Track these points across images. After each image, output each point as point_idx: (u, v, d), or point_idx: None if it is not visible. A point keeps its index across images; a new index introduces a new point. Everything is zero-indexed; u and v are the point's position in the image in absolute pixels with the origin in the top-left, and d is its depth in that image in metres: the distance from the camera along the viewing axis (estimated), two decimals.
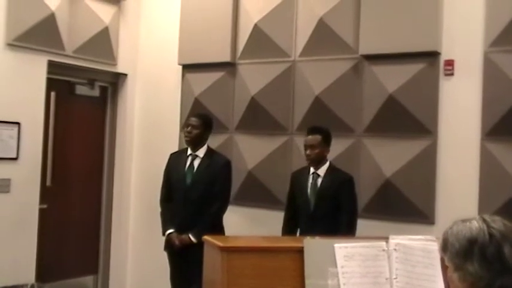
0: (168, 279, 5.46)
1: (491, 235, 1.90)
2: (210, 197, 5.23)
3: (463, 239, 1.93)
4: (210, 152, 5.43)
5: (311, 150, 4.88)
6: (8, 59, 5.70)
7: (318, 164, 4.92)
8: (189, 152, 5.39)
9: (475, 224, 1.94)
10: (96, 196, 6.93)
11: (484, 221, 1.94)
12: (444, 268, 2.88)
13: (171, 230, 5.28)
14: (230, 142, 6.22)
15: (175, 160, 5.49)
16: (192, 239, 5.10)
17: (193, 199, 5.23)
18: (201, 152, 5.36)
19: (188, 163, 5.36)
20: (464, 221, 1.98)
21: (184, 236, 5.18)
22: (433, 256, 2.92)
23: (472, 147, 4.98)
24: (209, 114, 5.89)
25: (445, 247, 1.99)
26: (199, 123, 5.34)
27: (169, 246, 5.32)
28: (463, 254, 1.92)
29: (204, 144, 5.39)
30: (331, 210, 4.81)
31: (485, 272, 1.88)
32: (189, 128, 5.34)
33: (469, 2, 5.07)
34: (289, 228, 5.04)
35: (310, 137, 4.91)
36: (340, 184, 4.87)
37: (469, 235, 1.92)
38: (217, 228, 5.14)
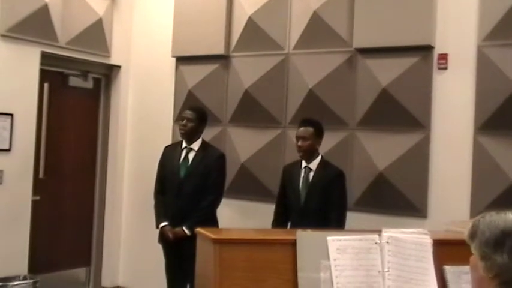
0: (160, 271, 5.45)
1: None
2: (204, 189, 5.22)
3: (496, 229, 1.89)
4: (204, 145, 5.42)
5: (303, 141, 4.87)
6: (1, 50, 5.68)
7: (309, 156, 4.92)
8: (184, 145, 5.38)
9: (510, 216, 1.91)
10: (89, 188, 6.93)
11: None
12: (436, 262, 2.90)
13: (165, 223, 5.27)
14: (223, 135, 6.22)
15: (170, 153, 5.48)
16: (186, 231, 5.09)
17: (187, 192, 5.23)
18: (195, 145, 5.35)
19: (183, 156, 5.35)
20: (498, 212, 1.95)
21: (178, 229, 5.17)
22: (425, 249, 2.93)
23: (465, 141, 4.99)
24: (204, 107, 5.89)
25: (473, 234, 1.95)
26: (195, 116, 5.33)
27: (163, 239, 5.31)
28: (494, 244, 1.88)
29: (199, 137, 5.38)
30: (322, 204, 4.80)
31: None
32: (184, 121, 5.32)
33: None
34: (279, 222, 5.03)
35: (302, 128, 4.91)
36: (331, 179, 4.87)
37: (503, 226, 1.89)
38: (211, 221, 5.15)
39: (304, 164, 4.94)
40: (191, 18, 6.42)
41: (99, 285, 6.93)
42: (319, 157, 4.96)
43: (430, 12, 5.13)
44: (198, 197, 5.20)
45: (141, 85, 6.97)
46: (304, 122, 4.96)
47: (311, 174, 4.91)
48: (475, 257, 1.95)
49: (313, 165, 4.92)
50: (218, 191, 5.34)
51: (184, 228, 5.12)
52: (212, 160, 5.32)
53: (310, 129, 4.88)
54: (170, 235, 5.20)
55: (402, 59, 5.22)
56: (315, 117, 5.06)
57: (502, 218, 1.92)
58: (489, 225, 1.92)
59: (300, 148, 4.89)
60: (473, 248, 1.95)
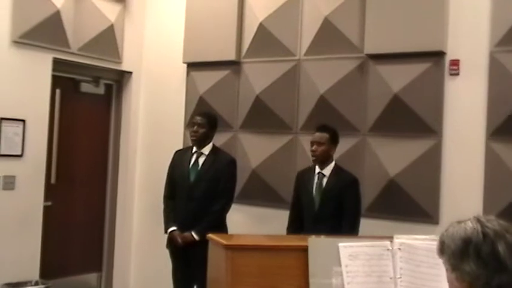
0: (171, 276, 5.46)
1: (484, 234, 1.91)
2: (214, 194, 5.23)
3: (458, 240, 1.94)
4: (215, 150, 5.43)
5: (317, 146, 4.87)
6: (14, 57, 5.71)
7: (323, 162, 4.91)
8: (194, 149, 5.39)
9: (469, 225, 1.96)
10: (101, 194, 6.94)
11: (479, 221, 1.96)
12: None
13: (173, 228, 5.28)
14: (234, 140, 6.22)
15: (180, 157, 5.49)
16: (195, 236, 5.09)
17: (196, 197, 5.23)
18: (206, 150, 5.36)
19: (193, 161, 5.36)
20: (459, 222, 2.00)
21: (186, 234, 5.17)
22: (437, 256, 2.92)
23: (477, 147, 4.97)
24: (214, 112, 5.90)
25: (442, 249, 2.01)
26: (205, 121, 5.34)
27: (171, 243, 5.32)
28: (459, 255, 1.93)
29: (209, 142, 5.40)
30: (336, 210, 4.80)
31: (482, 271, 1.89)
32: (195, 127, 5.33)
33: (475, 2, 5.06)
34: (294, 228, 5.01)
35: (317, 133, 4.91)
36: (345, 185, 4.86)
37: (463, 235, 1.94)
38: (221, 227, 5.15)
39: (317, 169, 4.94)
40: (202, 25, 6.44)
41: None
42: (333, 163, 4.95)
43: (442, 18, 5.11)
44: (208, 202, 5.20)
45: (153, 91, 6.99)
46: (320, 128, 4.96)
47: (325, 180, 4.90)
48: (448, 271, 2.00)
49: (327, 171, 4.91)
50: (228, 197, 5.34)
51: (193, 233, 5.12)
52: (223, 165, 5.33)
53: (326, 135, 4.88)
54: (179, 240, 5.20)
55: (414, 65, 5.21)
56: (331, 124, 5.06)
57: (462, 228, 1.97)
58: (452, 237, 1.97)
59: (314, 153, 4.89)
60: (444, 263, 2.01)
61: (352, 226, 4.75)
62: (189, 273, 5.15)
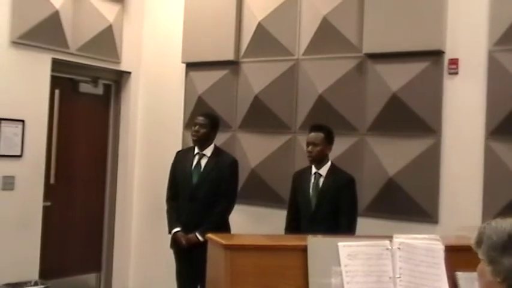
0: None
1: None
2: (217, 196, 5.22)
3: (503, 233, 1.92)
4: (217, 151, 5.42)
5: (313, 147, 4.85)
6: (13, 57, 5.72)
7: (319, 162, 4.90)
8: (196, 150, 5.38)
9: None
10: (100, 194, 6.94)
11: None
12: (448, 268, 2.88)
13: (177, 229, 5.27)
14: (233, 140, 6.22)
15: (182, 158, 5.48)
16: (199, 237, 5.07)
17: (199, 198, 5.23)
18: (208, 151, 5.35)
19: (195, 162, 5.35)
20: (505, 218, 1.99)
21: (191, 235, 5.17)
22: (436, 255, 2.92)
23: (476, 147, 4.97)
24: (215, 112, 5.90)
25: (479, 241, 1.98)
26: (207, 122, 5.33)
27: (175, 244, 5.32)
28: (501, 248, 1.91)
29: (211, 143, 5.39)
30: (332, 211, 4.78)
31: None
32: (197, 127, 5.32)
33: (473, 1, 5.06)
34: (291, 229, 5.00)
35: (312, 134, 4.89)
36: (342, 185, 4.84)
37: (509, 229, 1.93)
38: (224, 227, 5.16)
39: (314, 170, 4.93)
40: (201, 24, 6.44)
41: None
42: (329, 163, 4.94)
43: (441, 17, 5.11)
44: (210, 203, 5.20)
45: (151, 91, 6.99)
46: (315, 128, 4.94)
47: (321, 180, 4.88)
48: (482, 263, 1.98)
49: (323, 171, 4.90)
50: (231, 197, 5.34)
51: (197, 234, 5.11)
52: (225, 166, 5.32)
53: (321, 135, 4.87)
54: (183, 241, 5.20)
55: (412, 64, 5.21)
56: (325, 123, 5.06)
57: (508, 222, 1.96)
58: (495, 230, 1.96)
59: (310, 154, 4.88)
60: (481, 254, 1.99)
61: (349, 226, 4.73)
62: (193, 274, 5.14)
